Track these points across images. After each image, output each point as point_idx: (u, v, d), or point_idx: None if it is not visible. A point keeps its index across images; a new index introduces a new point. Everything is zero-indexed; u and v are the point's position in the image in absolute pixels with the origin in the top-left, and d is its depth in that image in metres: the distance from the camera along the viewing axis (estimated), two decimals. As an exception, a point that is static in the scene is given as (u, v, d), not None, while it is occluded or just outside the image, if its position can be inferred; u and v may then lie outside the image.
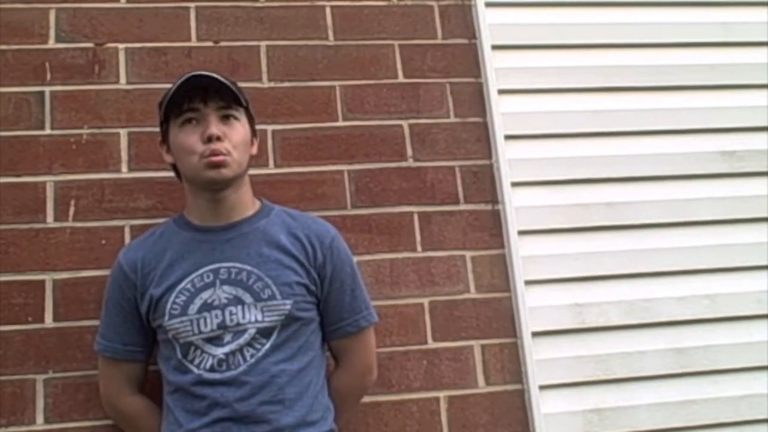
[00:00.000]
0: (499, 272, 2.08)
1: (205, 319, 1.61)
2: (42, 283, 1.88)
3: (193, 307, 1.62)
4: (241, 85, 1.78)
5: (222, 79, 1.66)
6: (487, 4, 2.26)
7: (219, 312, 1.61)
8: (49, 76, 2.02)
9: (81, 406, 1.83)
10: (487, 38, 2.22)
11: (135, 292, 1.67)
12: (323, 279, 1.70)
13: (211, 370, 1.59)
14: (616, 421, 2.04)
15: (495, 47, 2.23)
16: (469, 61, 2.22)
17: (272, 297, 1.62)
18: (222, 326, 1.61)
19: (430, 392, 1.97)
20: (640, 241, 2.18)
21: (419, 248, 2.07)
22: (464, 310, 2.04)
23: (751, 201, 2.25)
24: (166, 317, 1.63)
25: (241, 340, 1.60)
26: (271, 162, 2.05)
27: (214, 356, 1.59)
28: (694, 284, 2.16)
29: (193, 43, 2.10)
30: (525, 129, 2.20)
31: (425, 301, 2.03)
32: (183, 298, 1.63)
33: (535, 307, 2.06)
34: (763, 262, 2.20)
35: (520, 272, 2.07)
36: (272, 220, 1.72)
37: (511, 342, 2.04)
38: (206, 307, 1.62)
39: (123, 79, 2.05)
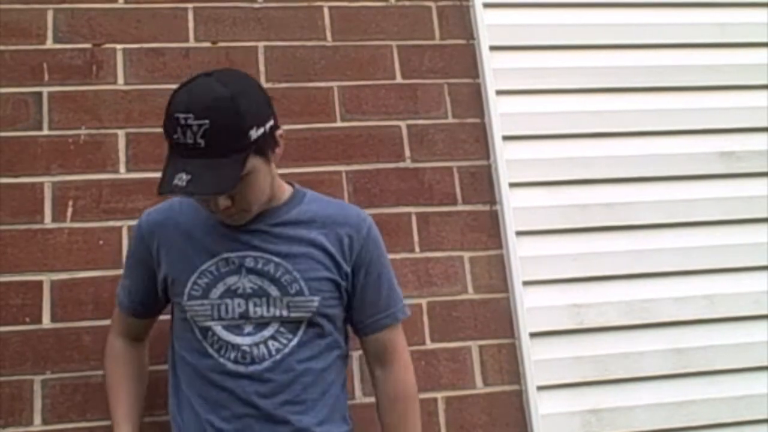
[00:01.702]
0: (497, 273, 2.08)
1: (226, 305, 1.56)
2: (40, 283, 1.88)
3: (216, 292, 1.56)
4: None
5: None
6: (485, 5, 2.26)
7: (242, 301, 1.56)
8: (46, 76, 2.02)
9: (79, 407, 1.83)
10: (485, 39, 2.22)
11: (150, 258, 1.64)
12: (358, 270, 1.63)
13: (235, 361, 1.54)
14: (615, 421, 2.04)
15: (493, 48, 2.23)
16: (467, 61, 2.22)
17: (300, 292, 1.56)
18: (244, 316, 1.55)
19: (428, 393, 1.96)
20: (639, 242, 2.17)
21: (417, 249, 2.06)
22: (462, 310, 2.04)
23: (750, 201, 2.25)
24: (185, 297, 1.57)
25: (265, 332, 1.55)
26: (269, 162, 2.05)
27: (236, 346, 1.54)
28: (693, 284, 2.16)
29: (191, 43, 2.10)
30: (523, 129, 2.20)
31: (423, 301, 2.03)
32: (206, 280, 1.57)
33: (533, 308, 2.06)
34: (763, 263, 2.20)
35: (518, 273, 2.07)
36: (304, 209, 1.64)
37: (509, 342, 2.04)
38: (229, 293, 1.56)
39: (121, 79, 2.05)
